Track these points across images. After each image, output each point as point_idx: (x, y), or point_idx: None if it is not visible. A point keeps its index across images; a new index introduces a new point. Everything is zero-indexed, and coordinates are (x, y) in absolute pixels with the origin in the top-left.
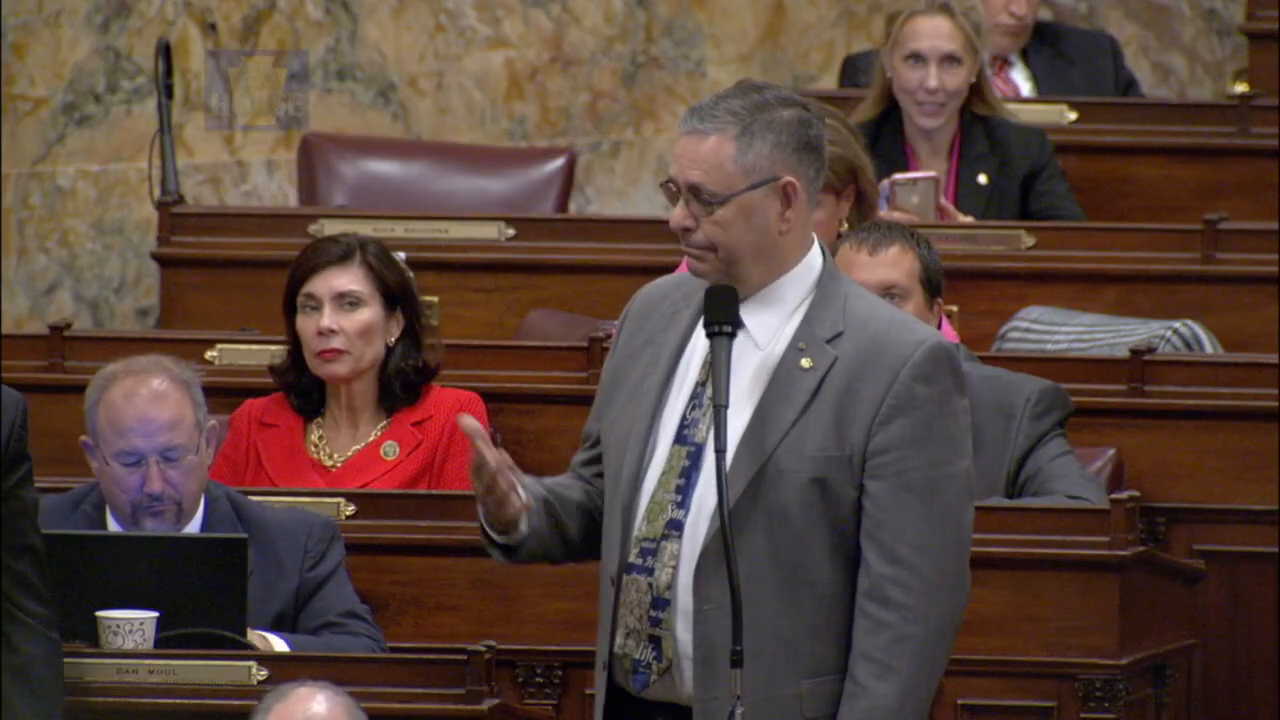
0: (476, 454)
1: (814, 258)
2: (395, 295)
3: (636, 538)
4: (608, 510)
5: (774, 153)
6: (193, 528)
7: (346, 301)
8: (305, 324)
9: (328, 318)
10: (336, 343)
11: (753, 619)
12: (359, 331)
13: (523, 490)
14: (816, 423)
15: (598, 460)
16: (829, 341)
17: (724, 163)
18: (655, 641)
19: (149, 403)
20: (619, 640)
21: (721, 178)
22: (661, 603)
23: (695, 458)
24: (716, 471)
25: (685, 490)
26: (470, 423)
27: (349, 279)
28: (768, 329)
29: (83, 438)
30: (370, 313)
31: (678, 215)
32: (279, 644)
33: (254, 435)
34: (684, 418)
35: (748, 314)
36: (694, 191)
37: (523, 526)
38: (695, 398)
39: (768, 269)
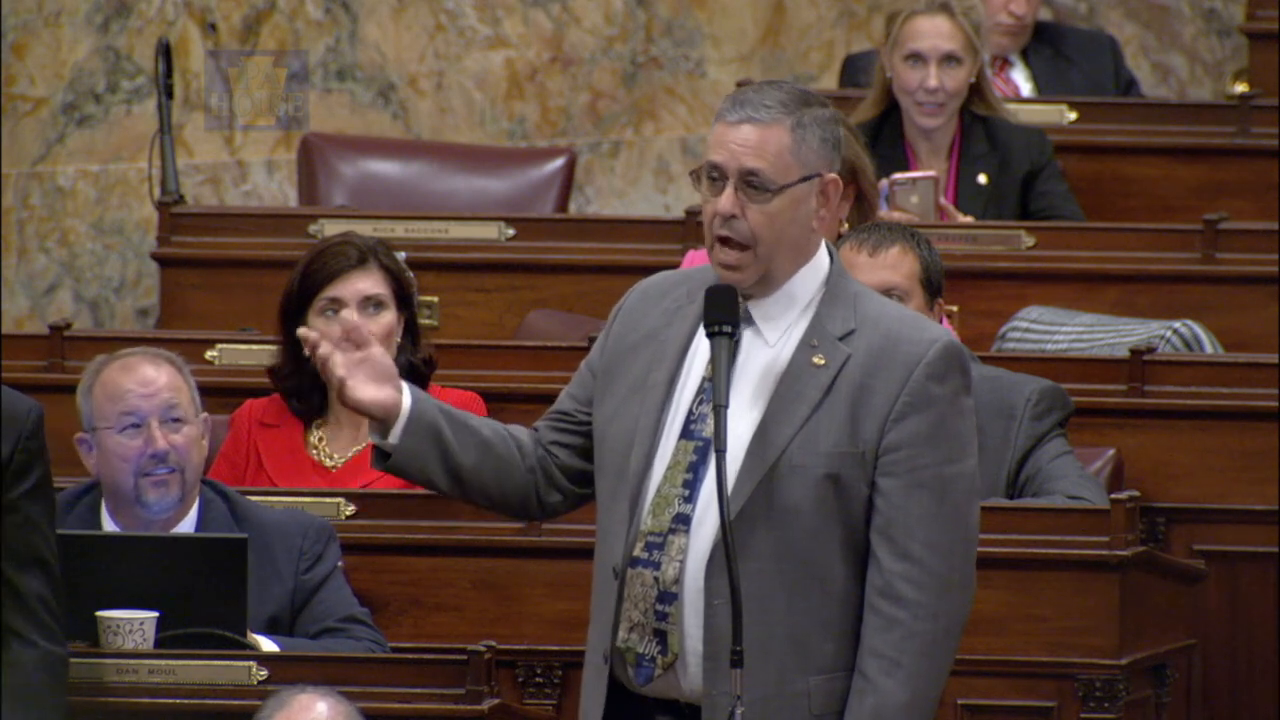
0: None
1: (822, 256)
2: (404, 295)
3: (641, 532)
4: (609, 503)
5: (821, 148)
6: (188, 527)
7: (371, 305)
8: (329, 328)
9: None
10: None
11: (763, 615)
12: (384, 334)
13: (339, 369)
14: (830, 419)
15: (568, 435)
16: (841, 339)
17: (783, 152)
18: (660, 636)
19: (147, 368)
20: (621, 634)
21: (780, 167)
22: (668, 597)
23: (702, 453)
24: (717, 472)
25: (693, 485)
26: (303, 332)
27: (371, 282)
28: (777, 327)
29: (77, 435)
30: (391, 315)
31: (728, 202)
32: (273, 649)
33: (254, 435)
34: (690, 413)
35: (758, 311)
36: (749, 179)
37: (392, 437)
38: (702, 393)
39: (792, 266)
